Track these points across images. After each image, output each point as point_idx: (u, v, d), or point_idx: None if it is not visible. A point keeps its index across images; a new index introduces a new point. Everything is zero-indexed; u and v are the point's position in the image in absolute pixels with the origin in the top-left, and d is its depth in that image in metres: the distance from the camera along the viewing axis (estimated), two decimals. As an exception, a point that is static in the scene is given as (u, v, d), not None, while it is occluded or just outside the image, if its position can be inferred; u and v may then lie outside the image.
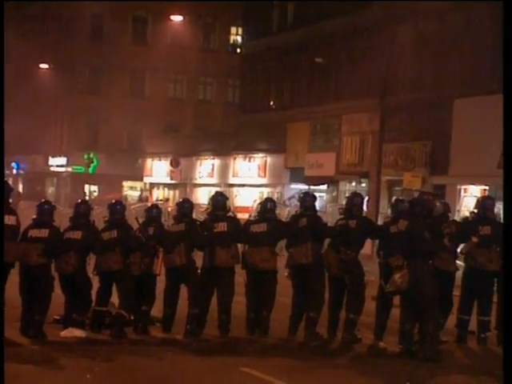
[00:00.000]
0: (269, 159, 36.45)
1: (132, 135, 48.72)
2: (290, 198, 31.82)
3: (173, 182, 42.76)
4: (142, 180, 46.56)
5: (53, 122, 50.76)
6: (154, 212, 11.05)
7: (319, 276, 10.62)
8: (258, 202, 11.86)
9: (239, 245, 10.90)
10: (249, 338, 10.74)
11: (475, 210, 11.25)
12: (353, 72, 32.04)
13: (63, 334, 10.46)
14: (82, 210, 10.78)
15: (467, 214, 13.18)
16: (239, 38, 46.71)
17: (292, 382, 8.62)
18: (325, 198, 32.39)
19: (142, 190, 46.78)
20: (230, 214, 10.94)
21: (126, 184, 49.20)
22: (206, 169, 41.11)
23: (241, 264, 10.69)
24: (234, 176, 38.50)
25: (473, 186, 26.68)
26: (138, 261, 10.60)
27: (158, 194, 44.04)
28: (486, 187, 26.19)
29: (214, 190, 40.57)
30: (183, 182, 41.68)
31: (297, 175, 34.21)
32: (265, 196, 35.79)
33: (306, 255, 10.46)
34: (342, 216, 10.85)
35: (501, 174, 26.30)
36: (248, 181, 37.06)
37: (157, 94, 48.70)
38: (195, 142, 42.61)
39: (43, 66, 48.87)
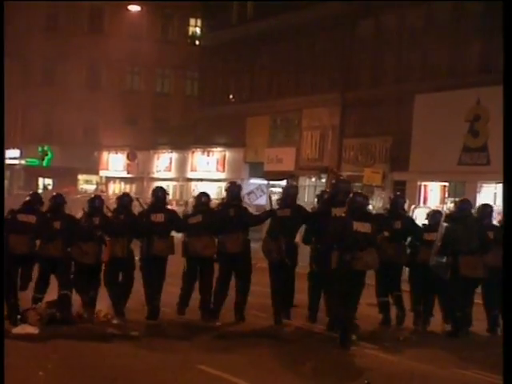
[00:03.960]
0: (228, 153, 36.13)
1: (88, 127, 47.94)
2: (249, 193, 31.45)
3: (129, 175, 42.21)
4: (97, 173, 45.90)
5: (6, 114, 49.65)
6: (96, 203, 11.59)
7: (247, 263, 11.57)
8: (192, 197, 12.71)
9: (179, 235, 11.81)
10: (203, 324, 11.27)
11: (388, 207, 12.30)
12: (314, 66, 31.87)
13: (15, 330, 10.25)
14: (36, 198, 11.39)
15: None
16: (198, 30, 46.26)
17: (248, 379, 8.43)
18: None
19: (97, 184, 46.08)
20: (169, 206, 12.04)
21: (82, 177, 48.46)
22: (163, 163, 40.66)
23: (181, 252, 11.49)
24: (192, 170, 38.12)
25: (433, 183, 26.64)
26: (91, 251, 11.17)
27: (114, 188, 43.41)
28: (446, 183, 26.19)
29: (171, 184, 40.32)
30: (140, 176, 41.17)
31: (256, 170, 33.97)
32: (223, 191, 35.46)
33: (236, 244, 11.39)
34: (277, 206, 11.75)
35: (460, 170, 26.29)
36: (206, 175, 36.69)
37: (113, 85, 47.98)
38: (153, 135, 42.15)
39: (-3, 55, 47.77)
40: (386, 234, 11.63)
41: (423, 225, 12.07)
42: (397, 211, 12.06)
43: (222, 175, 36.12)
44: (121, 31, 46.85)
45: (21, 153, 49.33)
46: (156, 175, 40.76)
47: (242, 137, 35.18)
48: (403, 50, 28.05)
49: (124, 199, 11.78)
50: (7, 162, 50.71)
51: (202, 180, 36.98)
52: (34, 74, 47.35)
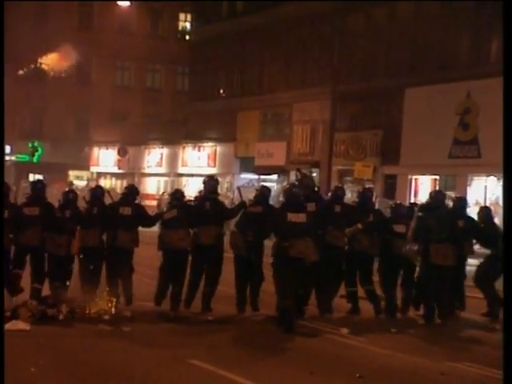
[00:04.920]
0: (218, 148, 36.10)
1: (78, 123, 47.75)
2: (239, 188, 31.44)
3: (120, 171, 42.12)
4: (88, 169, 45.77)
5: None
6: (70, 196, 12.19)
7: (219, 256, 11.97)
8: (166, 194, 13.39)
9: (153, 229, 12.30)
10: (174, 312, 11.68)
11: (356, 200, 12.79)
12: (304, 60, 31.84)
13: (7, 326, 10.15)
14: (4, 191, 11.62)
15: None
16: (188, 25, 46.14)
17: (240, 373, 8.42)
18: (275, 187, 32.11)
19: (88, 180, 45.93)
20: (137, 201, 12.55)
21: (72, 173, 48.26)
22: (154, 158, 40.59)
23: (157, 246, 11.93)
24: (183, 165, 38.07)
25: (424, 176, 26.70)
26: (64, 242, 11.70)
27: (105, 184, 43.25)
28: (437, 177, 26.24)
29: (162, 179, 40.28)
30: (131, 172, 41.10)
31: (247, 164, 33.96)
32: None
33: (210, 237, 11.84)
34: (251, 203, 12.30)
35: (451, 163, 26.46)
36: (197, 170, 36.63)
37: (104, 80, 47.81)
38: (143, 130, 42.05)
39: (-14, 51, 47.51)
40: (360, 226, 12.12)
41: (390, 217, 12.64)
42: (367, 204, 12.51)
43: (213, 170, 36.07)
44: (110, 26, 46.70)
45: (11, 149, 49.11)
46: (147, 171, 40.71)
47: (233, 131, 35.15)
48: (393, 44, 28.08)
49: (97, 191, 12.42)
50: (-3, 158, 50.51)
51: (192, 175, 36.95)
52: (23, 69, 47.07)
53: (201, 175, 36.14)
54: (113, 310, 11.37)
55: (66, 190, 12.77)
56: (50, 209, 11.95)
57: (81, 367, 8.55)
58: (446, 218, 11.81)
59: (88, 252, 11.88)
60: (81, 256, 11.96)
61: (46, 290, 11.79)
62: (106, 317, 11.13)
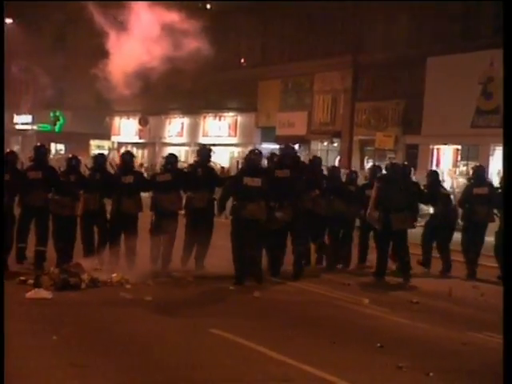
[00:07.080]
0: (239, 118, 36.01)
1: (99, 92, 47.68)
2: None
3: (141, 141, 42.19)
4: (109, 139, 45.88)
5: (17, 79, 49.58)
6: (73, 162, 12.86)
7: (211, 218, 12.75)
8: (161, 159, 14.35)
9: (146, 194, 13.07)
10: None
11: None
12: (325, 29, 31.58)
13: (29, 295, 10.30)
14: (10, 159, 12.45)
15: None
16: (209, -6, 45.79)
17: (261, 343, 8.40)
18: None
19: (109, 149, 46.08)
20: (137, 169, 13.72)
21: (94, 143, 48.44)
22: (175, 128, 40.58)
23: (150, 207, 12.68)
24: (203, 135, 38.03)
25: (446, 146, 26.51)
26: (67, 204, 12.36)
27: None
28: (459, 146, 26.05)
29: (183, 149, 40.29)
30: (152, 141, 41.14)
31: (268, 134, 33.86)
32: (235, 156, 35.56)
33: (202, 200, 12.63)
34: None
35: (473, 133, 26.18)
36: (218, 140, 36.59)
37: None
38: (164, 100, 41.94)
39: (8, 20, 47.57)
40: (318, 191, 13.22)
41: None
42: (317, 171, 13.58)
43: (234, 140, 36.08)
44: (130, -4, 46.46)
45: (33, 118, 49.30)
46: (168, 140, 40.73)
47: (254, 101, 35.02)
48: (415, 13, 27.74)
49: (99, 159, 13.07)
50: (20, 127, 50.78)
51: (214, 145, 36.74)
52: (45, 39, 47.10)
53: (222, 145, 36.36)
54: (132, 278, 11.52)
55: (70, 156, 13.44)
56: (53, 172, 12.63)
57: (102, 336, 8.60)
58: (404, 189, 12.71)
59: (89, 215, 12.50)
60: (83, 219, 12.59)
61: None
62: (128, 286, 11.19)
